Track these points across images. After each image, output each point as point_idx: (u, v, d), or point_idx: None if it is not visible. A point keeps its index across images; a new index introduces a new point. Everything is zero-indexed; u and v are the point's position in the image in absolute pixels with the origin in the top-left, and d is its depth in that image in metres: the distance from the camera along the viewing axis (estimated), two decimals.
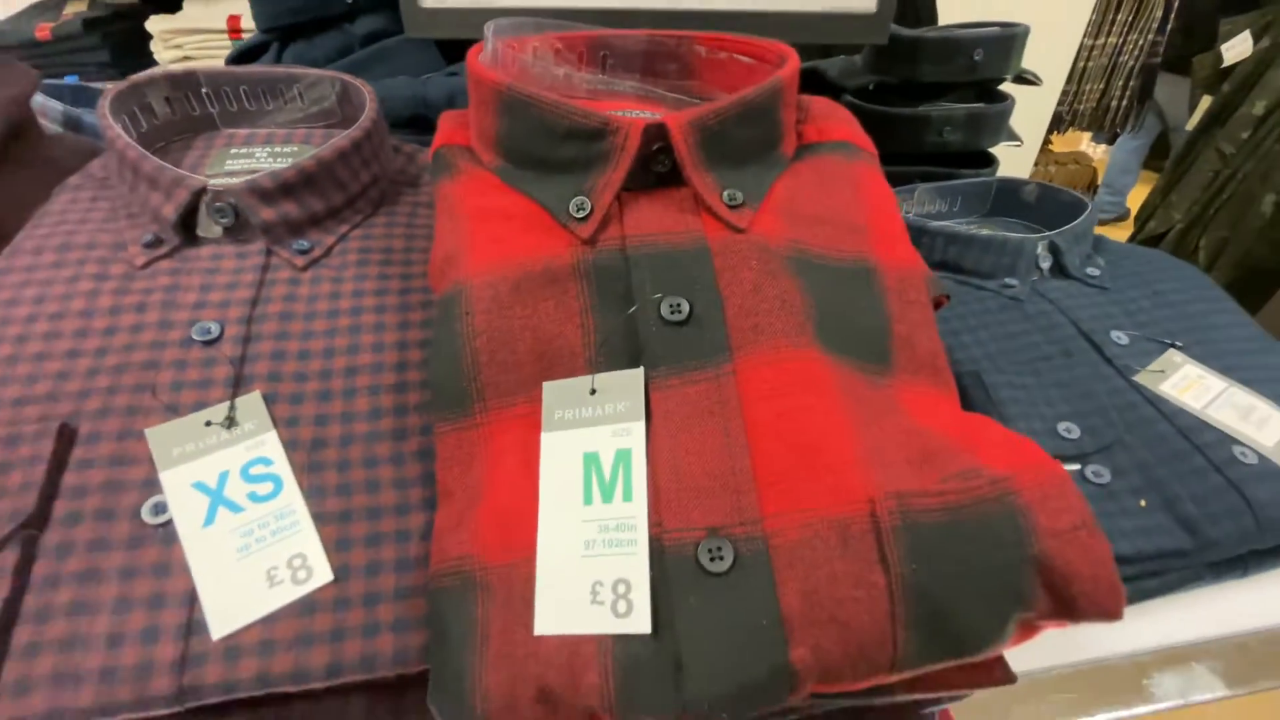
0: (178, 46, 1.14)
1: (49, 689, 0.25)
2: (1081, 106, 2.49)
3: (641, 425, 0.27)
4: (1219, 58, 1.78)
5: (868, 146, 0.39)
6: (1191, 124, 1.97)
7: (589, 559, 0.25)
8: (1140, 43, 2.38)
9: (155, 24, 1.10)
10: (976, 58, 0.64)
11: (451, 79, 0.57)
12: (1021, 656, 0.28)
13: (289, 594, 0.27)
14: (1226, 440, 0.39)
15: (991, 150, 0.71)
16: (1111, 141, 2.83)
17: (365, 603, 0.28)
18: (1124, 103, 2.49)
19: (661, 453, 0.26)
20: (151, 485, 0.29)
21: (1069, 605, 0.25)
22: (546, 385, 0.29)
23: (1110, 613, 0.25)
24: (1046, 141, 2.55)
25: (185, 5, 1.12)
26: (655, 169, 0.31)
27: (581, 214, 0.31)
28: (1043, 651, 0.36)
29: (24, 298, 0.33)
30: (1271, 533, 0.36)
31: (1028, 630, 0.26)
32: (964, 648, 0.24)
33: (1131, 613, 0.37)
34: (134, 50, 1.21)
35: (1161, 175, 1.99)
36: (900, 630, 0.23)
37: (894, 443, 0.26)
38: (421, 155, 0.47)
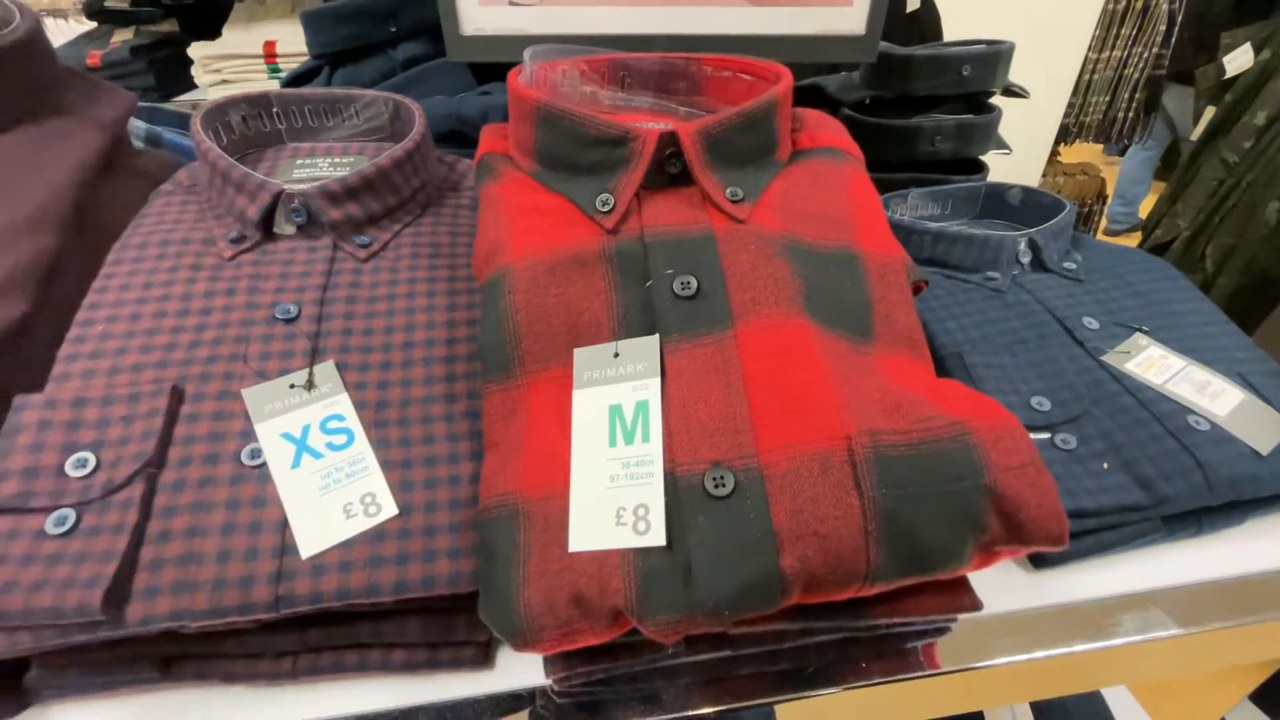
0: (217, 71, 1.23)
1: (172, 595, 0.30)
2: (1088, 118, 2.52)
3: (657, 381, 0.32)
4: (1221, 69, 1.81)
5: (854, 151, 0.44)
6: (1195, 134, 2.00)
7: (614, 489, 0.30)
8: (1145, 55, 2.42)
9: (197, 50, 1.19)
10: (965, 72, 0.70)
11: (483, 98, 0.63)
12: (995, 600, 0.32)
13: (362, 524, 0.33)
14: (1182, 410, 0.43)
15: (982, 158, 0.76)
16: (1122, 153, 2.86)
17: (425, 533, 0.33)
18: (1130, 114, 2.52)
19: (674, 403, 0.31)
20: (248, 435, 0.35)
21: (1018, 531, 0.29)
22: (577, 351, 0.34)
23: (1056, 537, 0.30)
24: (1054, 153, 2.59)
25: (225, 32, 1.20)
26: (668, 170, 0.37)
27: (606, 208, 0.36)
28: (1015, 596, 0.40)
29: (134, 284, 0.40)
30: (1220, 490, 0.40)
31: (988, 555, 0.30)
32: (929, 563, 0.29)
33: (1096, 566, 0.41)
34: (177, 75, 1.30)
35: (1167, 184, 2.02)
36: (873, 544, 0.28)
37: (869, 395, 0.31)
38: (461, 164, 0.53)
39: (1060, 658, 0.38)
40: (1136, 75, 2.44)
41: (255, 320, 0.39)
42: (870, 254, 0.38)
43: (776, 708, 0.39)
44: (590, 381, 0.33)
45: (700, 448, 0.30)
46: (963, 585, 0.33)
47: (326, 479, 0.34)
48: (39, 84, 0.44)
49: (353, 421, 0.36)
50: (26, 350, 0.37)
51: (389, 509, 0.33)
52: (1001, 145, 0.75)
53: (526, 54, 0.41)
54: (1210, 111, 1.79)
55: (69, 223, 0.41)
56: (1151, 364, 0.47)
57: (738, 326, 0.32)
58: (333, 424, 0.35)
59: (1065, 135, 2.52)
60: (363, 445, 0.35)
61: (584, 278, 0.35)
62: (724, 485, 0.29)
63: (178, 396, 0.35)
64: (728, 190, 0.37)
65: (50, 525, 0.31)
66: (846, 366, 0.32)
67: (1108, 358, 0.48)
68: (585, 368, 0.34)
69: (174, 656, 0.34)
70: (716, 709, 0.36)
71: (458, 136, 0.63)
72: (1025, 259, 0.56)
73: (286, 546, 0.32)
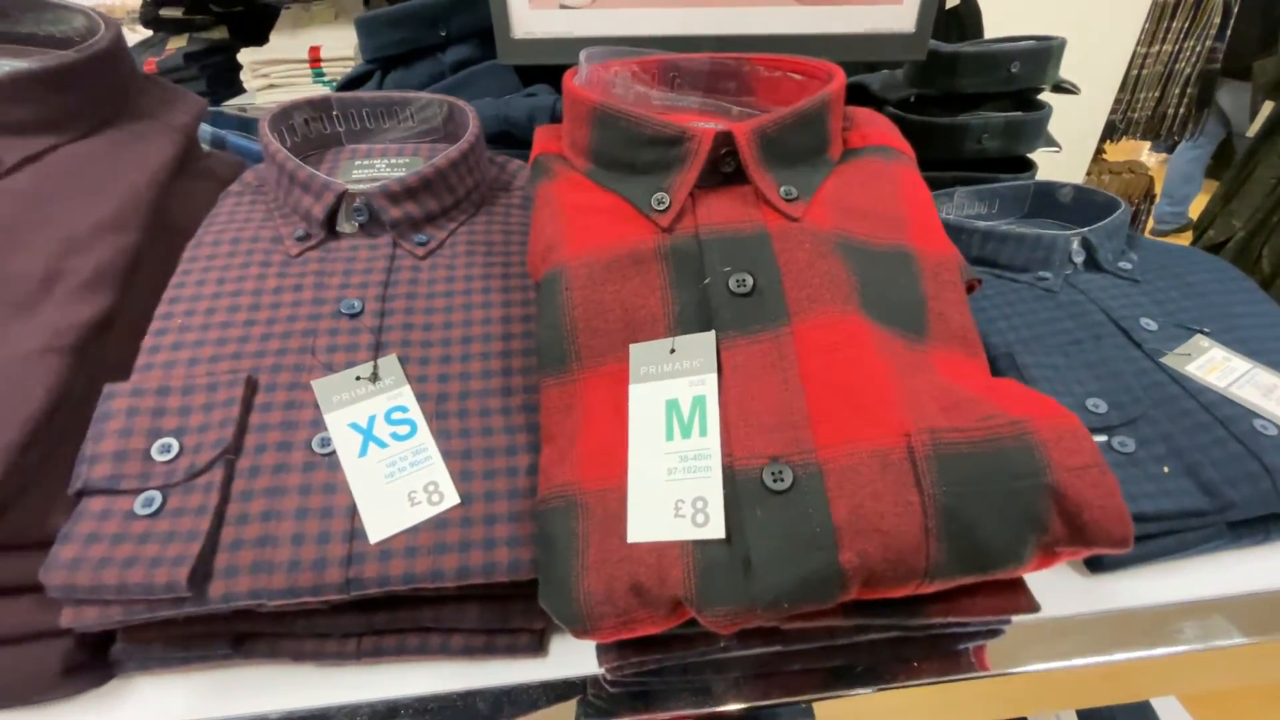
0: (264, 76, 1.27)
1: (250, 575, 0.32)
2: (1136, 115, 2.44)
3: (714, 377, 0.32)
4: None
5: (906, 150, 0.44)
6: (1253, 130, 1.92)
7: (672, 482, 0.31)
8: (1198, 49, 2.33)
9: (246, 56, 1.23)
10: (1014, 70, 0.69)
11: (529, 99, 0.65)
12: (1049, 603, 0.32)
13: (426, 512, 0.34)
14: (1248, 414, 0.42)
15: (1031, 157, 0.74)
16: (1170, 150, 2.76)
17: (485, 521, 0.34)
18: (1181, 110, 2.43)
19: (731, 398, 0.32)
20: (318, 424, 0.36)
21: (1081, 532, 0.29)
22: (633, 347, 0.35)
23: (1119, 540, 0.29)
24: (1100, 150, 2.52)
25: (272, 38, 1.25)
26: (722, 170, 0.38)
27: (661, 206, 0.37)
28: (1070, 600, 0.39)
29: (209, 280, 0.42)
30: None
31: (1048, 556, 0.30)
32: (988, 562, 0.29)
33: (1155, 571, 0.41)
34: (227, 80, 1.35)
35: (1222, 183, 1.95)
36: (933, 542, 0.28)
37: (927, 393, 0.31)
38: (511, 164, 0.54)
39: (1116, 664, 0.38)
40: (1188, 70, 2.35)
41: (322, 315, 0.40)
42: (924, 252, 0.38)
43: (816, 706, 0.39)
44: (646, 377, 0.34)
45: (758, 443, 0.30)
46: (1020, 586, 0.32)
47: (392, 468, 0.35)
48: (121, 90, 0.47)
49: (415, 413, 0.37)
50: (114, 340, 0.39)
51: (451, 497, 0.35)
52: (1051, 143, 0.74)
53: (582, 55, 0.42)
54: (1269, 107, 1.72)
55: (148, 221, 0.43)
56: (1214, 367, 0.45)
57: (794, 323, 0.33)
58: (396, 415, 0.37)
59: (1112, 132, 2.44)
60: (425, 436, 0.36)
61: (640, 275, 0.36)
62: (782, 480, 0.29)
63: (252, 386, 0.37)
64: (782, 189, 0.37)
65: (139, 506, 0.33)
66: (903, 364, 0.32)
67: (1167, 360, 0.46)
68: (641, 363, 0.34)
69: (247, 634, 0.35)
70: (764, 703, 0.37)
71: (505, 137, 0.64)
72: (1078, 259, 0.55)
73: (356, 531, 0.33)
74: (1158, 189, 2.56)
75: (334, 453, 0.35)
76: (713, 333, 0.33)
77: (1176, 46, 2.33)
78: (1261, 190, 1.75)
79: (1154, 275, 0.54)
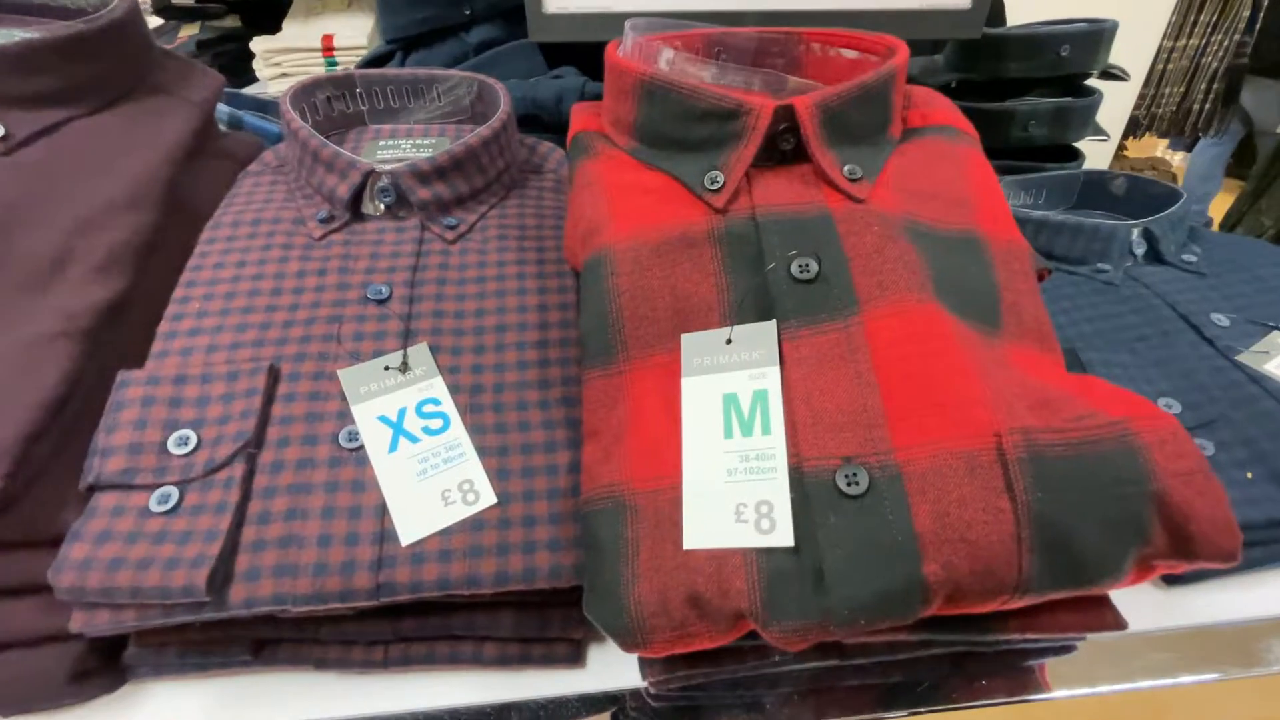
0: (276, 64, 1.25)
1: (274, 578, 0.29)
2: (1160, 110, 2.39)
3: (776, 370, 0.30)
4: None
5: (969, 130, 0.41)
6: None
7: (732, 484, 0.28)
8: (1225, 44, 2.27)
9: (258, 44, 1.21)
10: (1063, 53, 0.66)
11: (557, 81, 0.62)
12: (1129, 617, 0.29)
13: (461, 512, 0.32)
14: None
15: (1077, 145, 0.71)
16: (1189, 148, 2.71)
17: (524, 524, 0.32)
18: (1206, 106, 2.38)
19: (796, 393, 0.29)
20: (345, 417, 0.34)
21: (1186, 544, 0.26)
22: (685, 337, 0.32)
23: (1228, 554, 0.26)
24: (1121, 147, 2.47)
25: (285, 26, 1.22)
26: (781, 147, 0.35)
27: (715, 186, 0.34)
28: (1144, 615, 0.37)
29: (228, 263, 0.39)
30: None
31: (1145, 570, 0.27)
32: (1084, 576, 0.26)
33: (1236, 584, 0.38)
34: (239, 69, 1.33)
35: (1249, 180, 1.90)
36: (1025, 553, 0.25)
37: (1012, 389, 0.29)
38: (541, 146, 0.52)
39: (1196, 686, 0.35)
40: (1215, 65, 2.30)
41: (348, 300, 0.38)
42: (994, 238, 0.36)
43: None
44: (701, 369, 0.31)
45: (828, 442, 0.28)
46: (1105, 601, 0.30)
47: (424, 464, 0.33)
48: (136, 62, 0.44)
49: (448, 405, 0.35)
50: (129, 324, 0.37)
51: (487, 497, 0.32)
52: (1099, 131, 0.70)
53: (627, 25, 0.39)
54: None
55: (164, 200, 0.41)
56: None
57: (865, 312, 0.30)
58: (428, 408, 0.34)
59: (1135, 128, 2.39)
60: (459, 430, 0.34)
61: (691, 259, 0.33)
62: (857, 483, 0.26)
63: (274, 376, 0.35)
64: (845, 168, 0.34)
65: (154, 503, 0.30)
66: (984, 357, 0.30)
67: (1243, 358, 0.43)
68: (695, 354, 0.32)
69: (268, 640, 0.33)
70: None
71: (532, 121, 0.61)
72: (1139, 250, 0.52)
73: (386, 533, 0.31)
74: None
75: (362, 447, 0.33)
76: (774, 322, 0.31)
77: (1203, 40, 2.28)
78: None
79: (1221, 268, 0.51)
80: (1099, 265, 0.51)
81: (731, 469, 0.29)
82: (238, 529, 0.30)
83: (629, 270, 0.33)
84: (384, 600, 0.30)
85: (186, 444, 0.32)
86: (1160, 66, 2.30)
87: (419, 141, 0.49)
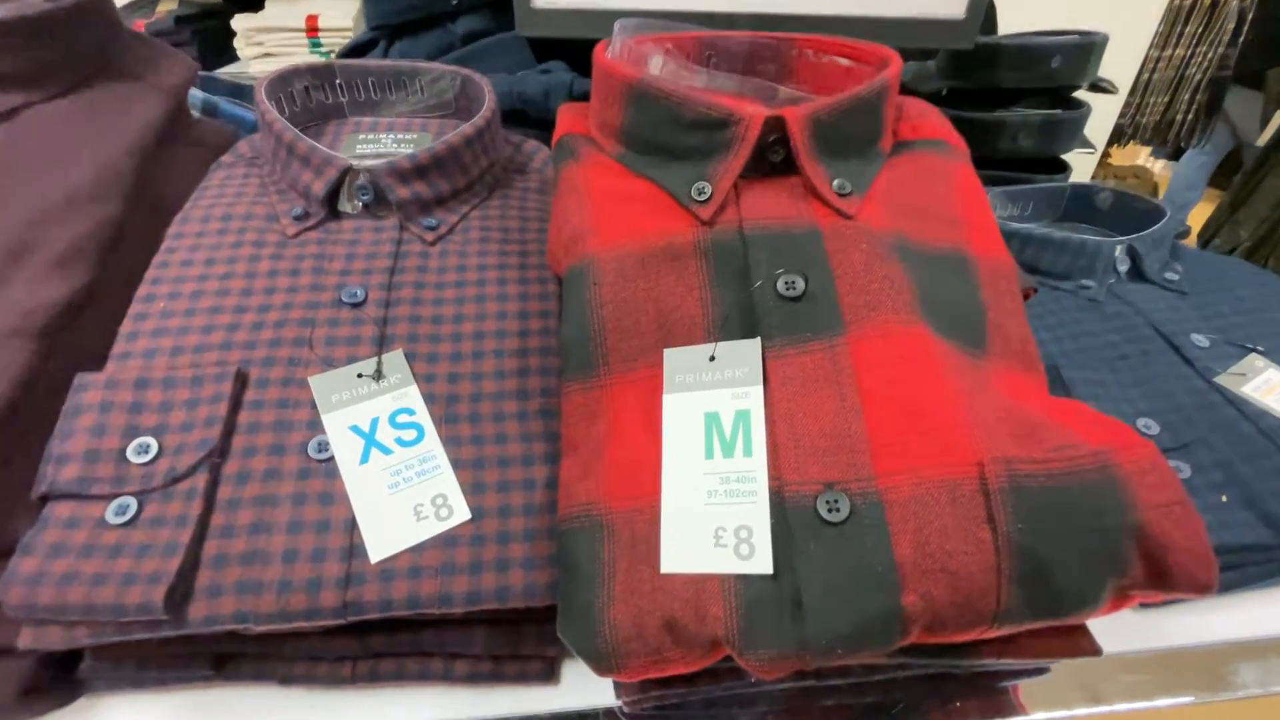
0: (259, 44, 1.21)
1: (236, 595, 0.28)
2: (1144, 119, 2.42)
3: (760, 389, 0.29)
4: None
5: (960, 145, 0.41)
6: (1263, 140, 1.90)
7: (711, 506, 0.28)
8: (1210, 55, 2.30)
9: (240, 22, 1.18)
10: (1054, 65, 0.65)
11: (544, 76, 0.61)
12: (1101, 638, 0.29)
13: (433, 528, 0.31)
14: None
15: (1064, 158, 0.71)
16: (1173, 156, 2.74)
17: (498, 540, 0.31)
18: (1189, 116, 2.41)
19: (779, 414, 0.28)
20: (315, 426, 0.33)
21: (1164, 575, 0.26)
22: (668, 352, 0.32)
23: (1204, 585, 0.26)
24: (1105, 154, 2.49)
25: (267, 5, 1.19)
26: (770, 158, 0.34)
27: (702, 197, 0.33)
28: (1117, 637, 0.37)
29: (196, 260, 0.38)
30: None
31: (1121, 599, 0.27)
32: (1062, 607, 0.26)
33: (1212, 606, 0.38)
34: (220, 47, 1.29)
35: (1228, 191, 1.93)
36: (1005, 584, 0.25)
37: (996, 415, 0.28)
38: (527, 144, 0.50)
39: (1167, 709, 0.35)
40: (1199, 75, 2.33)
41: (321, 303, 0.37)
42: (982, 258, 0.35)
43: None
44: (683, 385, 0.31)
45: (810, 466, 0.27)
46: (1082, 628, 0.30)
47: (396, 477, 0.32)
48: (103, 45, 0.42)
49: (423, 416, 0.34)
50: (89, 323, 0.35)
51: (461, 512, 0.31)
52: (1086, 144, 0.71)
53: (617, 26, 0.38)
54: None
55: (130, 191, 0.39)
56: (1272, 388, 0.43)
57: (850, 332, 0.30)
58: (402, 418, 0.33)
59: (1119, 136, 2.42)
60: (433, 442, 0.33)
61: (676, 272, 0.33)
62: (838, 510, 0.26)
63: (241, 381, 0.33)
64: (835, 182, 0.34)
65: (111, 514, 0.29)
66: (969, 382, 0.29)
67: (1221, 379, 0.44)
68: (677, 370, 0.31)
69: (230, 655, 0.32)
70: None
71: (518, 116, 0.60)
72: (1122, 267, 0.52)
73: (355, 548, 0.30)
74: (1160, 195, 2.54)
75: (332, 458, 0.32)
76: (758, 340, 0.30)
77: (1189, 51, 2.30)
78: (1269, 201, 1.73)
79: (1202, 287, 0.51)
80: (1083, 281, 0.51)
81: (712, 491, 0.28)
82: (199, 543, 0.29)
83: (612, 281, 0.32)
84: (351, 619, 0.29)
85: (147, 452, 0.31)
86: (1146, 76, 2.33)
87: (400, 136, 0.48)
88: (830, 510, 0.26)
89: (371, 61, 0.48)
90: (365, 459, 0.32)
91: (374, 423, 0.33)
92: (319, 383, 0.33)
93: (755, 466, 0.28)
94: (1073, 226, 0.63)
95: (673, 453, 0.29)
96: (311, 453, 0.32)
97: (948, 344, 0.31)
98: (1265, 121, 2.03)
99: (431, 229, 0.41)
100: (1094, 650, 0.30)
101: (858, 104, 0.34)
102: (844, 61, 0.42)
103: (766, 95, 0.41)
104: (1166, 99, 2.39)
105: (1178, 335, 0.47)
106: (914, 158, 0.38)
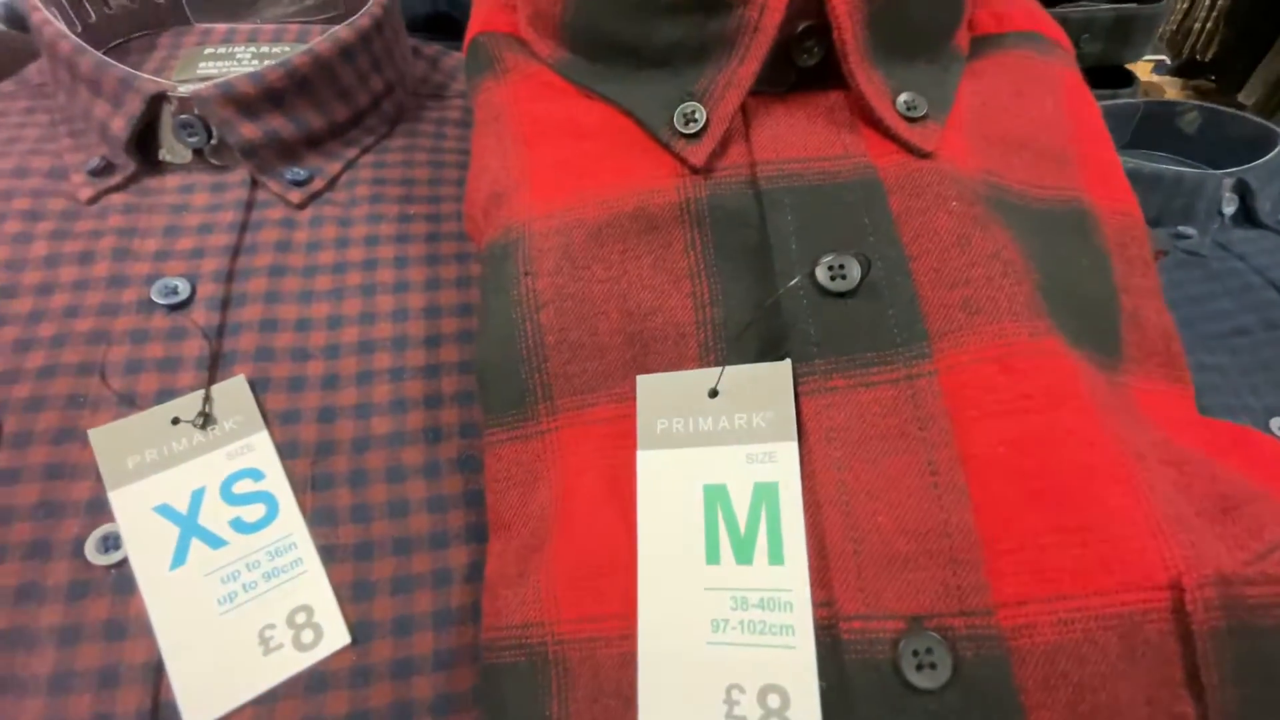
0: None
1: None
2: (1160, 30, 2.24)
3: (793, 447, 0.18)
4: None
5: (1062, 39, 0.28)
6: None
7: (719, 647, 0.17)
8: None
9: None
10: None
11: None
12: None
13: (291, 663, 0.20)
14: None
15: (1129, 68, 0.58)
16: (1179, 73, 2.57)
17: (394, 674, 0.20)
18: (1208, 25, 2.23)
19: (827, 493, 0.17)
20: (99, 508, 0.21)
21: None
22: (641, 380, 0.20)
23: None
24: None
25: None
26: (798, 62, 0.22)
27: (692, 128, 0.21)
28: None
29: None
30: None
31: None
32: None
33: None
34: None
35: (1248, 110, 1.80)
36: None
37: (1173, 485, 0.18)
38: (448, 59, 0.37)
39: None
40: None
41: (121, 305, 0.24)
42: (1105, 211, 0.24)
43: None
44: (668, 438, 0.19)
45: (884, 589, 0.16)
46: None
47: (232, 583, 0.21)
48: None
49: (276, 480, 0.22)
50: None
51: (336, 635, 0.20)
52: (1159, 50, 0.57)
53: None
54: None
55: None
56: None
57: (940, 352, 0.18)
58: (242, 485, 0.22)
59: None
60: (293, 521, 0.22)
61: (653, 251, 0.21)
62: (934, 667, 0.15)
63: None
64: (901, 98, 0.21)
65: None
66: (1132, 432, 0.18)
67: None
68: (659, 411, 0.20)
69: None
70: None
71: (443, 22, 0.46)
72: (1229, 209, 0.40)
73: (161, 709, 0.19)
74: None
75: (125, 561, 0.20)
76: (788, 363, 0.19)
77: None
78: None
79: None
80: (1180, 229, 0.40)
81: (720, 620, 0.17)
82: None
83: (554, 268, 0.21)
84: None
85: None
86: None
87: (263, 49, 0.34)
88: (920, 667, 0.16)
89: None
90: (181, 559, 0.21)
91: (197, 497, 0.21)
92: (104, 437, 0.21)
93: (790, 583, 0.17)
94: (1145, 155, 0.51)
95: (654, 550, 0.18)
96: (91, 554, 0.20)
97: (1083, 359, 0.19)
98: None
99: (299, 184, 0.28)
100: None
101: None
102: None
103: None
104: (1186, 5, 2.21)
105: None
106: (1002, 59, 0.26)
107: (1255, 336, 0.35)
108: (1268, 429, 0.32)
